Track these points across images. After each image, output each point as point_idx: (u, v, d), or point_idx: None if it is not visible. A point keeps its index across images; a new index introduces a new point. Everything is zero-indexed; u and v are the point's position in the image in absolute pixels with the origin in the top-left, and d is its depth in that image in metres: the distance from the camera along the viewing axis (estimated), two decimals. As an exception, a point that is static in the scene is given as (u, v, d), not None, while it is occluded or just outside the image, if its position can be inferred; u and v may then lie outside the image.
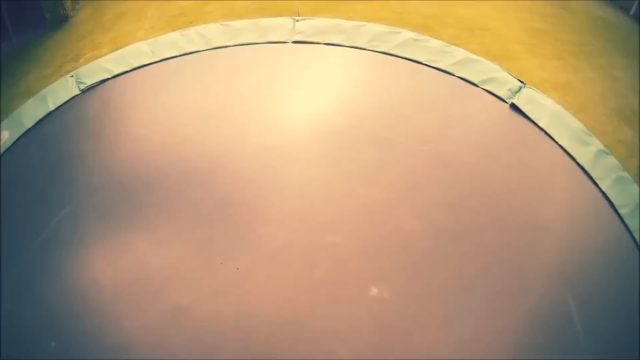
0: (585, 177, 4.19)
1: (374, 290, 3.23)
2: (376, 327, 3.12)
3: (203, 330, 3.18)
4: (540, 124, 4.13)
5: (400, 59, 4.12)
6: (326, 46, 4.15)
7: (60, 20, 6.34)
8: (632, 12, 6.98)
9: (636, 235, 4.09)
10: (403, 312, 3.16)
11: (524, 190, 3.98)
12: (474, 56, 4.33)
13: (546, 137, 4.14)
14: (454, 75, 4.17)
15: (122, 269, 3.55)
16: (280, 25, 4.31)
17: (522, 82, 4.30)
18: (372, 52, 4.09)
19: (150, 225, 3.70)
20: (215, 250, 3.41)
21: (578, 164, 4.20)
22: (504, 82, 4.21)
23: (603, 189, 4.10)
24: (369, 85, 3.99)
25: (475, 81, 4.16)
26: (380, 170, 3.73)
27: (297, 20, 4.32)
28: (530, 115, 4.10)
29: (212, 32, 4.56)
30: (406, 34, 4.33)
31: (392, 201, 3.62)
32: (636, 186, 4.38)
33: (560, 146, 4.15)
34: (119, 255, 3.63)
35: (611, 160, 4.35)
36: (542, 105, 4.19)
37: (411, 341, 3.07)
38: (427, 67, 4.10)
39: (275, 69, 4.13)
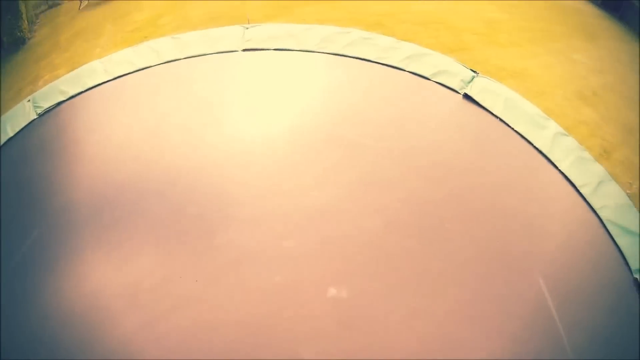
0: (544, 160, 4.22)
1: (333, 291, 3.24)
2: (337, 326, 3.12)
3: (168, 345, 3.17)
4: (494, 112, 4.16)
5: (351, 58, 4.13)
6: (276, 51, 4.14)
7: (17, 42, 6.28)
8: (586, -6, 7.08)
9: (599, 213, 4.15)
10: (363, 311, 3.16)
11: (483, 179, 4.00)
12: (425, 50, 4.36)
13: (502, 124, 4.18)
14: (405, 71, 4.19)
15: (87, 291, 3.53)
16: (230, 34, 4.30)
17: (474, 71, 4.33)
18: (322, 54, 4.10)
19: (112, 244, 3.69)
20: (174, 264, 3.40)
21: (535, 147, 4.25)
22: (456, 73, 4.22)
23: (562, 169, 4.15)
24: (320, 86, 3.99)
25: (427, 75, 4.17)
26: (336, 171, 3.73)
27: (247, 28, 4.32)
28: (483, 104, 4.13)
29: (163, 46, 4.54)
30: (356, 33, 4.35)
31: (350, 200, 3.63)
32: (597, 164, 4.43)
33: (517, 132, 4.21)
34: (84, 277, 3.62)
35: (570, 141, 4.40)
36: (495, 93, 4.22)
37: (372, 339, 3.07)
38: (378, 65, 4.12)
39: (226, 78, 4.13)
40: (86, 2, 6.53)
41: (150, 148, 3.99)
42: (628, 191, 4.55)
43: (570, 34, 6.14)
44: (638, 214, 4.81)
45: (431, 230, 3.50)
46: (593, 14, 7.05)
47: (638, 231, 4.01)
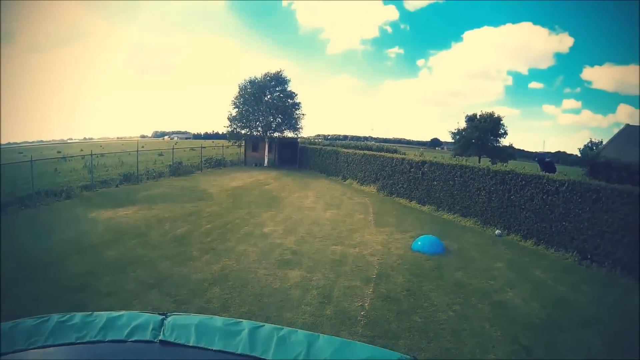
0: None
1: None
2: None
3: None
4: (190, 343, 4.69)
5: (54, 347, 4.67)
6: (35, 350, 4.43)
7: None
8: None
9: None
10: None
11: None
12: (117, 313, 4.97)
13: (201, 350, 4.74)
14: (104, 342, 4.71)
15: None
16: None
17: (163, 314, 4.93)
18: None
19: None
20: None
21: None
22: (148, 323, 4.82)
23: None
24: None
25: (122, 337, 4.69)
26: None
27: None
28: (179, 341, 4.67)
29: None
30: (54, 319, 4.84)
31: None
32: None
33: (214, 349, 4.73)
34: None
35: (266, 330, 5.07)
36: (187, 325, 4.83)
37: None
38: (78, 345, 4.66)
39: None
40: None
41: None
42: None
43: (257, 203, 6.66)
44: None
45: None
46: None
47: None
